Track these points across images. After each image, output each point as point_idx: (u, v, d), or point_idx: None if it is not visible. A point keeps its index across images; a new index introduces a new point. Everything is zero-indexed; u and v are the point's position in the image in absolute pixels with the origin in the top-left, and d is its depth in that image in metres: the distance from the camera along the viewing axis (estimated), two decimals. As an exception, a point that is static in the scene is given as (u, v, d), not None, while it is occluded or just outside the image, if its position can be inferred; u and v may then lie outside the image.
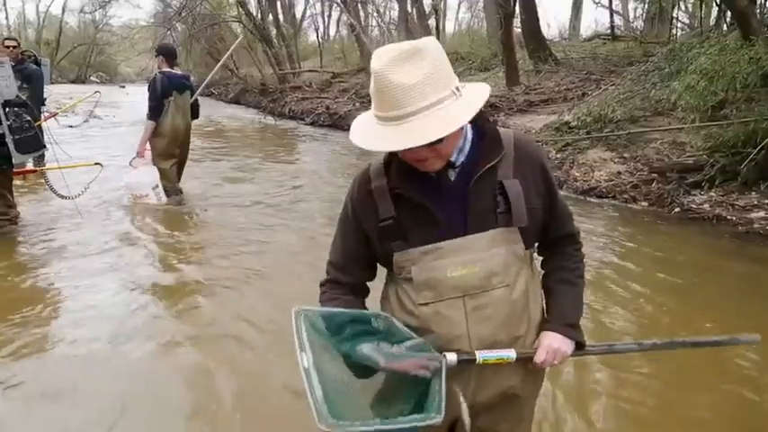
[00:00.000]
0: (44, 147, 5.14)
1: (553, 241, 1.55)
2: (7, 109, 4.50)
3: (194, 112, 6.40)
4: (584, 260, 1.59)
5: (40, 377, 2.76)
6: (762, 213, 5.33)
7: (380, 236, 1.42)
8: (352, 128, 1.34)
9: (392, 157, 1.42)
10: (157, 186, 6.05)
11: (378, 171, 1.43)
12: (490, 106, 9.70)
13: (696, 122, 6.52)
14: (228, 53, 11.20)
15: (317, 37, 26.43)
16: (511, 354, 1.44)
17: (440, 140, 1.21)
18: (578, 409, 2.56)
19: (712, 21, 11.33)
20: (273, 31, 21.96)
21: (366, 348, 1.38)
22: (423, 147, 1.20)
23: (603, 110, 7.80)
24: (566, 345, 1.49)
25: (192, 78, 7.00)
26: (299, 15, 27.35)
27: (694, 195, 5.96)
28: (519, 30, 14.01)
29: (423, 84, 1.19)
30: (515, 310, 1.44)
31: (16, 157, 4.62)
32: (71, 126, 8.87)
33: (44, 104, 6.97)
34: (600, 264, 4.38)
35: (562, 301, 1.53)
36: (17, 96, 4.64)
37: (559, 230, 1.53)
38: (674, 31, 14.04)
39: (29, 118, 4.65)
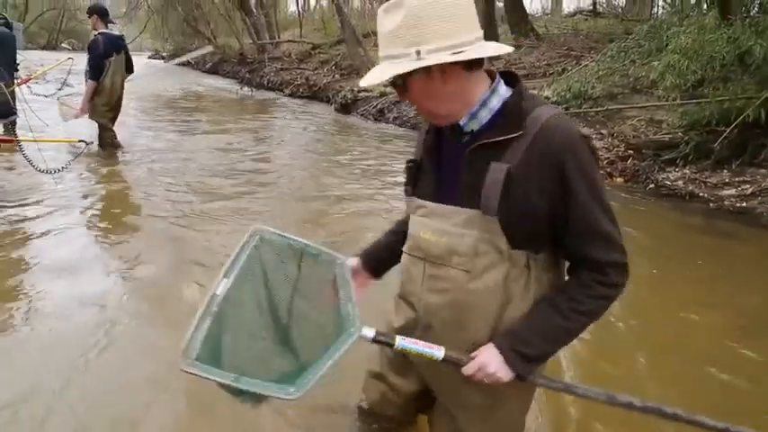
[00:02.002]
0: (14, 113, 5.00)
1: (572, 260, 1.35)
2: (-26, 73, 4.37)
3: (129, 67, 6.85)
4: (603, 306, 1.31)
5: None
6: (732, 191, 5.46)
7: (405, 173, 1.49)
8: None
9: None
10: (92, 141, 6.51)
11: None
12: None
13: (675, 100, 6.59)
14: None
15: (297, 6, 25.90)
16: (437, 352, 1.32)
17: (404, 89, 1.29)
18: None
19: (693, 0, 11.38)
20: (252, 0, 21.47)
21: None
22: (399, 92, 1.32)
23: (583, 86, 7.84)
24: (503, 370, 1.31)
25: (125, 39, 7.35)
26: (278, -16, 26.79)
27: (669, 172, 6.06)
28: (501, 4, 13.96)
29: (392, 34, 1.23)
30: (473, 302, 1.35)
31: (-16, 124, 4.50)
32: (46, 95, 8.65)
33: (17, 70, 6.73)
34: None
35: (532, 324, 1.32)
36: (-15, 59, 4.50)
37: (577, 249, 1.30)
38: (654, 10, 14.11)
39: (-2, 82, 4.52)
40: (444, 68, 1.24)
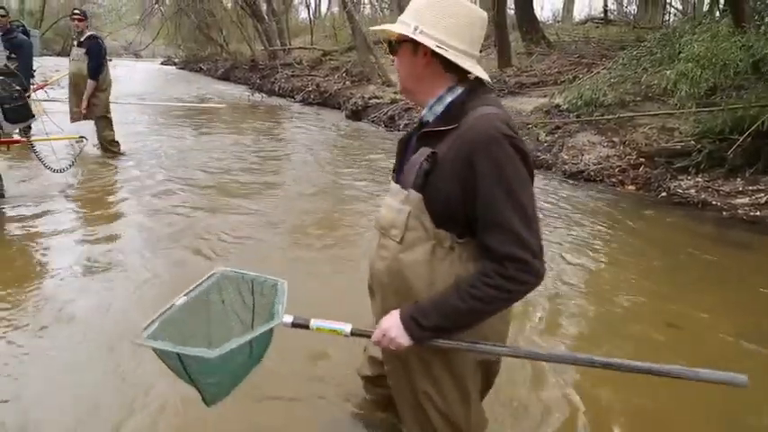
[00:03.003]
0: (32, 117, 5.08)
1: (481, 248, 1.41)
2: (-4, 78, 4.45)
3: None
4: (501, 297, 1.36)
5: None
6: (745, 200, 5.42)
7: None
8: None
9: None
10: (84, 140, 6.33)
11: None
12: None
13: (690, 108, 6.55)
14: None
15: (309, 14, 26.01)
16: (345, 327, 1.54)
17: (395, 51, 1.52)
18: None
19: (705, 7, 11.36)
20: (264, 7, 21.62)
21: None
22: (391, 52, 1.54)
23: (594, 93, 7.82)
24: (402, 336, 1.46)
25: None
26: (290, -9, 26.91)
27: (681, 180, 6.03)
28: (512, 11, 13.97)
29: (413, 9, 1.48)
30: (403, 271, 1.49)
31: (5, 127, 4.58)
32: (57, 100, 8.81)
33: (33, 76, 6.87)
34: (582, 245, 4.45)
35: (435, 299, 1.43)
36: (5, 66, 4.58)
37: (481, 237, 1.38)
38: (666, 17, 14.07)
39: (18, 87, 4.58)
40: (428, 54, 1.46)
